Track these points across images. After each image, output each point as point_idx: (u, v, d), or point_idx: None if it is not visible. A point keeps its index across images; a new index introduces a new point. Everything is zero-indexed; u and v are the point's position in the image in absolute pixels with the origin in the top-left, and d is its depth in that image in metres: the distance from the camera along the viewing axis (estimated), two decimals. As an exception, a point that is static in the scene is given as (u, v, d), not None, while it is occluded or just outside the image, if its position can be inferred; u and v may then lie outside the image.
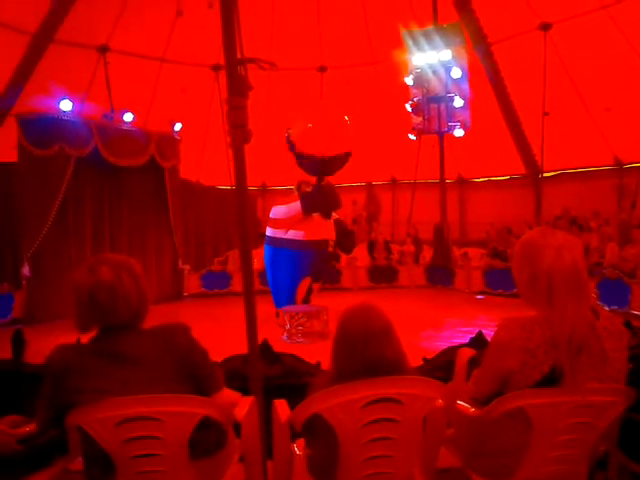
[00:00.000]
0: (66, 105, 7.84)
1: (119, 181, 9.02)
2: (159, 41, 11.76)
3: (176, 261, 9.88)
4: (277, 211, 7.08)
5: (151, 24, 11.35)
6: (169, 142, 9.51)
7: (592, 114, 10.88)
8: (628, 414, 1.82)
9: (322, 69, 13.40)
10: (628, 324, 2.88)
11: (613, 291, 7.12)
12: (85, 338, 1.82)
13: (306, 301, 6.84)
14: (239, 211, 2.53)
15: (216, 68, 12.20)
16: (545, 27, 10.73)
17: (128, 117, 8.80)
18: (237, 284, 9.98)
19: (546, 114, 10.63)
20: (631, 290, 7.08)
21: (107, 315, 1.73)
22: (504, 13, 11.00)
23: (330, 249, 7.13)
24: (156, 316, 1.87)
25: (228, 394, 1.98)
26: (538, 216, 11.78)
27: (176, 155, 9.73)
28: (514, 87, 11.78)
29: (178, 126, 9.68)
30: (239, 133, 2.40)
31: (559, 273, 1.71)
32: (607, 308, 5.96)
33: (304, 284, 6.79)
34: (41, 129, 7.69)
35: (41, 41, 10.19)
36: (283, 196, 7.31)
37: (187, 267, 10.13)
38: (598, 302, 6.61)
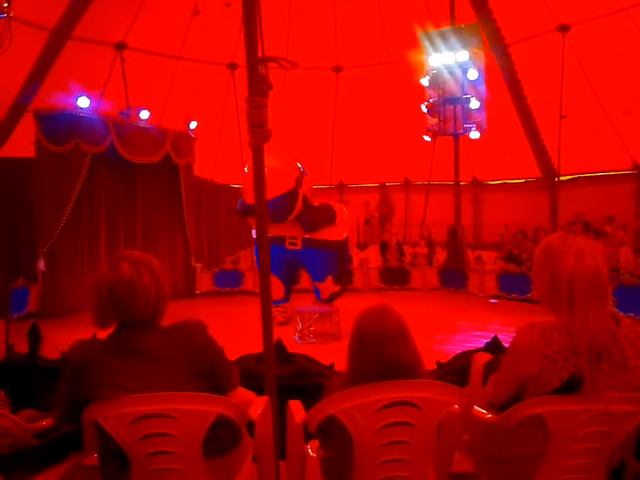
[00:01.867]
0: (83, 102, 7.90)
1: (134, 178, 9.09)
2: (176, 39, 11.82)
3: (189, 259, 9.93)
4: None
5: (168, 22, 11.42)
6: (184, 140, 9.56)
7: (610, 117, 10.75)
8: (647, 424, 1.78)
9: (338, 69, 13.38)
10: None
11: (630, 298, 7.02)
12: (101, 334, 1.84)
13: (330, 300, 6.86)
14: (258, 210, 2.53)
15: (232, 66, 12.23)
16: (563, 29, 10.62)
17: (144, 114, 8.86)
18: (249, 283, 10.02)
19: (563, 117, 10.51)
20: (648, 297, 6.97)
21: (126, 311, 1.74)
22: (522, 14, 10.90)
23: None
24: (169, 313, 1.88)
25: (243, 393, 1.98)
26: (554, 220, 11.67)
27: (191, 153, 9.78)
28: (531, 89, 11.67)
29: (193, 124, 9.72)
30: (259, 132, 2.40)
31: (580, 278, 1.69)
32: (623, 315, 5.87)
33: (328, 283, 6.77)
34: (58, 125, 7.76)
35: (59, 38, 10.28)
36: None
37: (200, 265, 10.18)
38: (616, 310, 6.52)
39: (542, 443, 1.77)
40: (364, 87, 13.11)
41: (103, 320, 1.78)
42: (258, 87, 2.41)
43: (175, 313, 1.88)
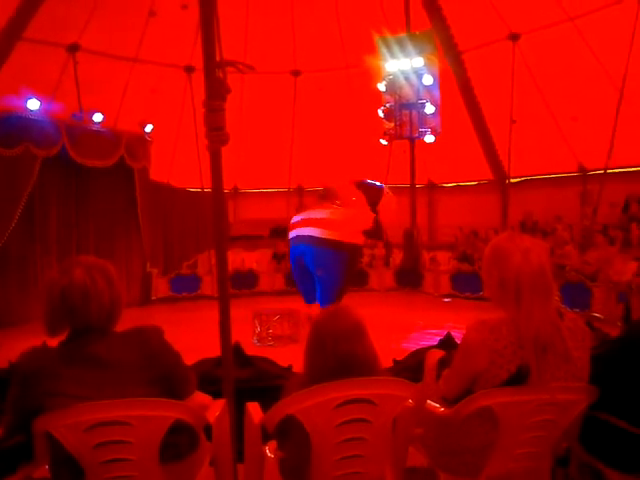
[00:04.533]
0: (33, 104, 7.67)
1: (87, 182, 8.86)
2: (131, 41, 11.59)
3: (144, 264, 9.74)
4: (326, 212, 6.76)
5: (123, 23, 11.18)
6: (139, 143, 9.38)
7: (558, 122, 11.20)
8: (589, 411, 1.88)
9: (296, 73, 13.43)
10: (589, 325, 2.98)
11: (575, 294, 7.35)
12: (52, 342, 1.79)
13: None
14: (215, 214, 2.52)
15: (189, 69, 12.09)
16: (514, 37, 11.01)
17: (97, 117, 8.66)
18: (206, 287, 9.91)
19: (514, 122, 10.89)
20: (592, 293, 7.31)
21: (79, 317, 1.71)
22: (474, 22, 11.24)
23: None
24: (123, 320, 1.85)
25: (200, 397, 1.97)
26: (505, 221, 12.05)
27: (146, 156, 9.61)
28: (483, 95, 12.04)
29: (149, 127, 9.56)
30: (217, 136, 2.40)
31: (526, 275, 1.77)
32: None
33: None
34: (7, 128, 7.50)
35: (9, 39, 9.93)
36: (316, 203, 7.17)
37: (155, 270, 10.00)
38: (561, 305, 6.80)
39: (492, 434, 1.84)
40: (322, 91, 13.21)
41: (54, 327, 1.74)
42: (216, 90, 2.41)
43: (130, 320, 1.86)
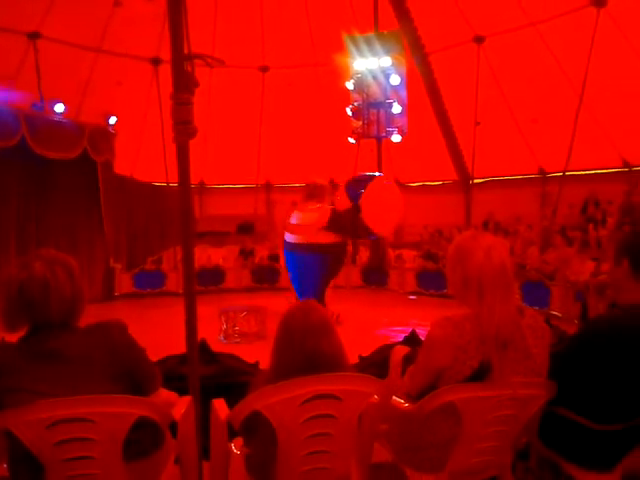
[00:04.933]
0: (-10, 92, 7.39)
1: (48, 175, 8.59)
2: (95, 30, 11.29)
3: (107, 259, 9.53)
4: (299, 217, 6.76)
5: (86, 12, 10.88)
6: (103, 135, 9.15)
7: (519, 125, 11.49)
8: (548, 407, 1.95)
9: (264, 69, 13.35)
10: (548, 323, 3.08)
11: (535, 292, 7.56)
12: (10, 337, 1.74)
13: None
14: (182, 209, 2.49)
15: (155, 61, 11.87)
16: (479, 40, 11.24)
17: (59, 108, 8.41)
18: (171, 284, 9.78)
19: (478, 123, 11.12)
20: (551, 292, 7.54)
21: (38, 312, 1.67)
22: (441, 24, 11.41)
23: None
24: (85, 317, 1.81)
25: (165, 394, 1.95)
26: (468, 220, 12.30)
27: (110, 149, 9.38)
28: (449, 96, 12.24)
29: (113, 119, 9.34)
30: (184, 129, 2.37)
31: (488, 272, 1.82)
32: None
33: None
34: (-38, 117, 7.21)
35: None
36: (302, 203, 6.99)
37: (119, 266, 9.79)
38: (522, 303, 6.99)
39: (455, 429, 1.88)
40: (291, 88, 13.18)
41: (12, 322, 1.69)
42: (184, 84, 2.38)
43: (93, 316, 1.82)
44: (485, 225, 11.83)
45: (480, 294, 1.83)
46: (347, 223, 6.46)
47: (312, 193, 6.72)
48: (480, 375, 1.82)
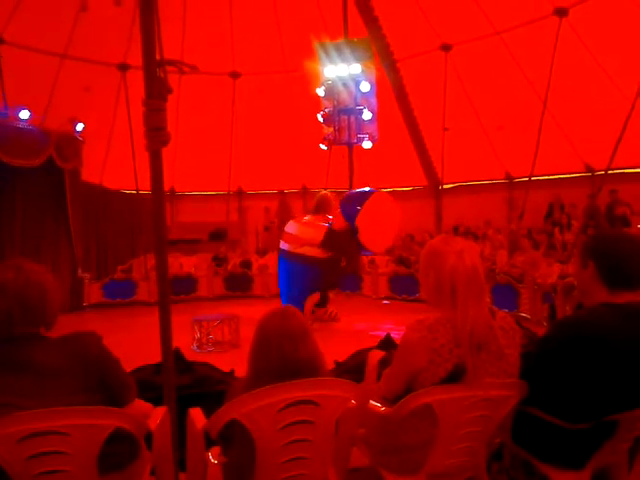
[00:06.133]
0: (-49, 98, 7.18)
1: (13, 182, 8.38)
2: (60, 36, 11.07)
3: (75, 269, 9.32)
4: (296, 228, 6.79)
5: (52, 17, 10.66)
6: (70, 142, 8.97)
7: (486, 131, 11.74)
8: (520, 407, 1.99)
9: (235, 75, 13.31)
10: (518, 324, 3.15)
11: (504, 295, 7.72)
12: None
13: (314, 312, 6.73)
14: (156, 217, 2.46)
15: (122, 67, 11.71)
16: (446, 48, 11.45)
17: (24, 114, 8.22)
18: (142, 293, 9.62)
19: (446, 129, 11.31)
20: (519, 294, 7.70)
21: (10, 322, 1.63)
22: (410, 32, 11.59)
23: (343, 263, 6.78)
24: (55, 328, 1.78)
25: (140, 405, 1.93)
26: (439, 225, 12.48)
27: (77, 156, 9.20)
28: (418, 103, 12.42)
29: (80, 126, 9.17)
30: (157, 136, 2.35)
31: (461, 275, 1.86)
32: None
33: (312, 298, 6.64)
34: None
35: None
36: (311, 215, 6.96)
37: (87, 276, 9.59)
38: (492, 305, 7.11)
39: (431, 430, 1.91)
40: (262, 94, 13.17)
41: None
42: (156, 90, 2.36)
43: (61, 327, 1.79)
44: (455, 229, 12.02)
45: (453, 297, 1.86)
46: (343, 243, 6.40)
47: (320, 206, 6.75)
48: (455, 377, 1.85)
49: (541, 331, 2.63)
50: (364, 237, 6.35)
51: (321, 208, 6.76)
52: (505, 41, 10.68)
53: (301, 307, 6.48)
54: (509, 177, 12.49)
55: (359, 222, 6.27)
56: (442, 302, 1.91)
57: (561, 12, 9.44)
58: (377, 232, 6.48)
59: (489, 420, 1.95)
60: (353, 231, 6.35)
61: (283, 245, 6.83)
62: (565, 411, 1.90)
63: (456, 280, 1.86)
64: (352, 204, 6.47)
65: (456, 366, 1.84)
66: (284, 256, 6.82)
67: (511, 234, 9.70)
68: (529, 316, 7.38)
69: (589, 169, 11.08)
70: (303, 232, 6.61)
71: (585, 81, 9.89)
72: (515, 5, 10.06)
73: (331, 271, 6.75)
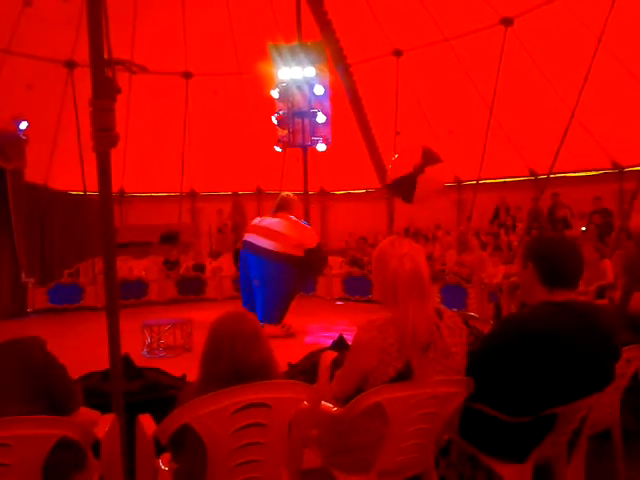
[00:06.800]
0: None
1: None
2: (2, 31, 10.58)
3: (18, 274, 8.93)
4: (285, 227, 6.51)
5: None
6: (12, 141, 8.58)
7: (437, 136, 12.04)
8: (467, 403, 2.05)
9: (187, 75, 13.11)
10: (466, 323, 3.25)
11: (453, 295, 7.93)
12: None
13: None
14: (103, 219, 2.40)
15: (69, 65, 11.32)
16: (398, 53, 11.68)
17: (-39, 111, 7.82)
18: (90, 298, 9.32)
19: (398, 133, 11.53)
20: (468, 294, 7.93)
21: None
22: (363, 37, 11.75)
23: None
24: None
25: (86, 413, 1.88)
26: (390, 227, 12.70)
27: (20, 156, 8.81)
28: (371, 107, 12.60)
29: (24, 124, 8.80)
30: (105, 137, 2.29)
31: (401, 278, 1.94)
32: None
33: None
34: None
35: None
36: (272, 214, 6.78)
37: (31, 280, 9.20)
38: (441, 305, 7.30)
39: (382, 429, 1.95)
40: (216, 95, 13.02)
41: None
42: (105, 90, 2.30)
43: (3, 334, 1.72)
44: (406, 231, 12.26)
45: (396, 299, 1.94)
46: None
47: (281, 205, 6.68)
48: (404, 376, 1.90)
49: (487, 329, 2.73)
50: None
51: (283, 208, 6.68)
52: (454, 48, 10.99)
53: (276, 309, 6.42)
54: (458, 180, 12.86)
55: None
56: (388, 303, 1.97)
57: (507, 22, 9.80)
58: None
59: (437, 417, 2.01)
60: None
61: (263, 243, 6.41)
62: (508, 406, 1.98)
63: (398, 282, 1.94)
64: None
65: (405, 365, 1.90)
66: (265, 256, 6.37)
67: (460, 235, 9.98)
68: (477, 315, 7.61)
69: (533, 173, 11.55)
70: (297, 232, 6.50)
71: (529, 89, 10.31)
72: (464, 14, 10.37)
73: (305, 275, 6.82)
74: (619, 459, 2.62)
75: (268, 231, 6.43)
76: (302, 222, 6.76)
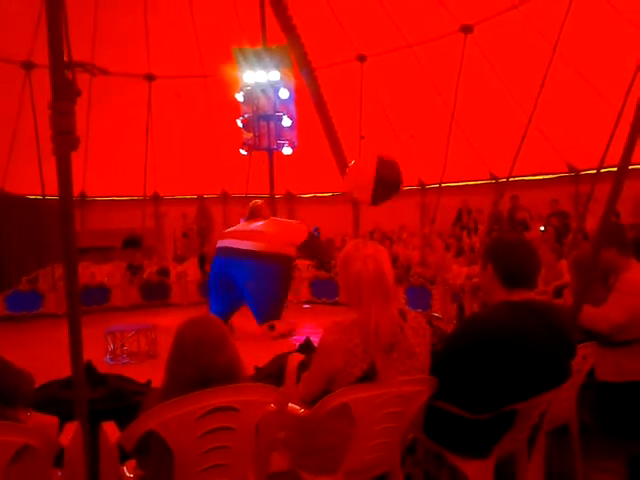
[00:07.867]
0: None
1: None
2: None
3: (-27, 281, 8.62)
4: (268, 226, 6.58)
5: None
6: (-35, 144, 8.30)
7: (400, 140, 12.22)
8: (430, 401, 2.10)
9: (150, 77, 12.91)
10: (430, 323, 3.32)
11: (418, 296, 8.07)
12: None
13: None
14: (64, 224, 2.35)
15: (27, 65, 10.99)
16: (361, 58, 11.82)
17: None
18: (50, 305, 9.07)
19: (362, 138, 11.65)
20: (432, 295, 8.08)
21: None
22: (327, 42, 11.83)
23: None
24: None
25: (39, 418, 1.84)
26: (356, 230, 12.80)
27: (-25, 159, 8.52)
28: (336, 111, 12.67)
29: (-23, 126, 8.50)
30: (65, 141, 2.24)
31: (364, 280, 1.98)
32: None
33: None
34: None
35: None
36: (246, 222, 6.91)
37: (-12, 287, 8.90)
38: (406, 306, 7.43)
39: (348, 429, 1.97)
40: (180, 97, 12.86)
41: None
42: (64, 92, 2.25)
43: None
44: (372, 234, 12.39)
45: (360, 300, 1.97)
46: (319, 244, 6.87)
47: (253, 213, 6.75)
48: (369, 376, 1.93)
49: (451, 329, 2.79)
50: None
51: (255, 215, 6.80)
52: (417, 54, 11.19)
53: (274, 307, 6.39)
54: (421, 184, 13.07)
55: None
56: (353, 304, 2.01)
57: (467, 29, 10.03)
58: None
59: (402, 416, 2.04)
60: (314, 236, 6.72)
61: (247, 245, 6.36)
62: (469, 403, 2.04)
63: (361, 284, 1.98)
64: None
65: (370, 366, 1.93)
66: (252, 258, 6.32)
67: (424, 237, 10.15)
68: (440, 315, 7.75)
69: (493, 177, 11.84)
70: (283, 230, 6.52)
71: (489, 94, 10.58)
72: (426, 21, 10.57)
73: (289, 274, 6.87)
74: (577, 452, 2.71)
75: (252, 233, 6.52)
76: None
